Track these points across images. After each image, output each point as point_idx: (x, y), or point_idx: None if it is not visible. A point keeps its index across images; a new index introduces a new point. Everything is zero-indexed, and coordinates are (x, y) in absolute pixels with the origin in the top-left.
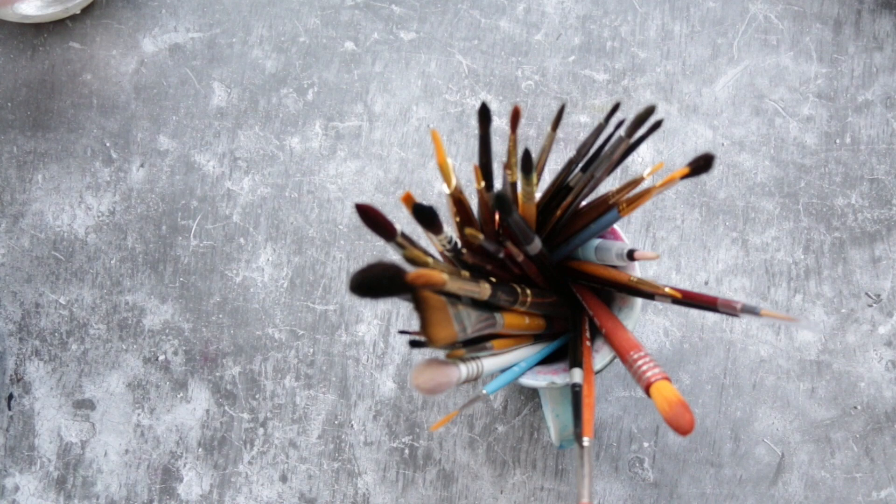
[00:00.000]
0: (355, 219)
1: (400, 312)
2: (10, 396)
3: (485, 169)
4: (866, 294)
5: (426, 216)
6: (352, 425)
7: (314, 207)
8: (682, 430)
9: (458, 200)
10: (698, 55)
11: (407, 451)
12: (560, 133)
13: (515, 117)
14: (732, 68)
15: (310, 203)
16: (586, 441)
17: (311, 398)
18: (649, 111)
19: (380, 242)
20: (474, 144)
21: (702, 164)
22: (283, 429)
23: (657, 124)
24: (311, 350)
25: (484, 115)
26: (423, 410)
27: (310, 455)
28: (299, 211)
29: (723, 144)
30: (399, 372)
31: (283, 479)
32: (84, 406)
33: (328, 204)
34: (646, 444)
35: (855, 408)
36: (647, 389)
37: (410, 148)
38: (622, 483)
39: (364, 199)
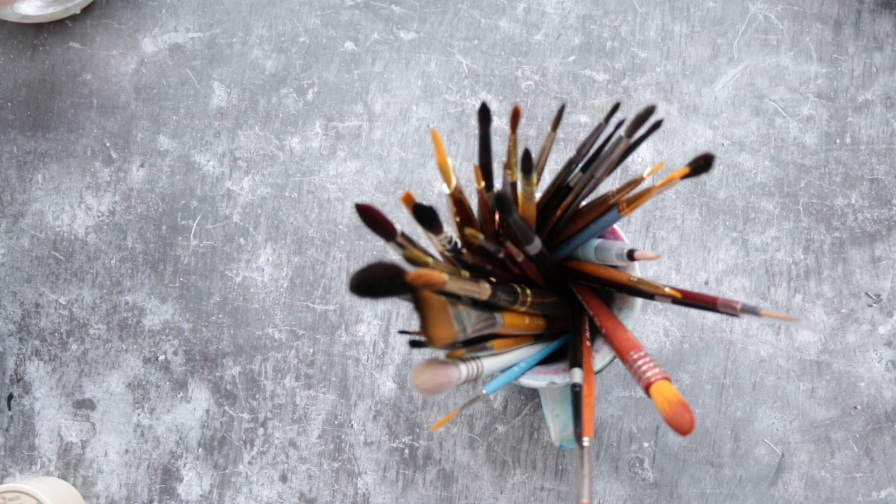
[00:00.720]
0: (355, 219)
1: (400, 312)
2: (10, 396)
3: (485, 169)
4: (866, 294)
5: (426, 216)
6: (352, 425)
7: (314, 207)
8: (682, 430)
9: (458, 200)
10: (698, 55)
11: (407, 451)
12: (560, 133)
13: (515, 117)
14: (732, 68)
15: (310, 203)
16: (586, 441)
17: (311, 398)
18: (649, 111)
19: (380, 242)
20: (474, 144)
21: (702, 164)
22: (283, 429)
23: (657, 124)
24: (311, 350)
25: (484, 115)
26: (423, 410)
27: (310, 455)
28: (299, 211)
29: (723, 144)
30: (399, 372)
31: (283, 479)
32: (84, 406)
33: (328, 204)
34: (646, 444)
35: (855, 408)
36: (647, 389)
37: (410, 148)
38: (622, 483)
39: (364, 199)
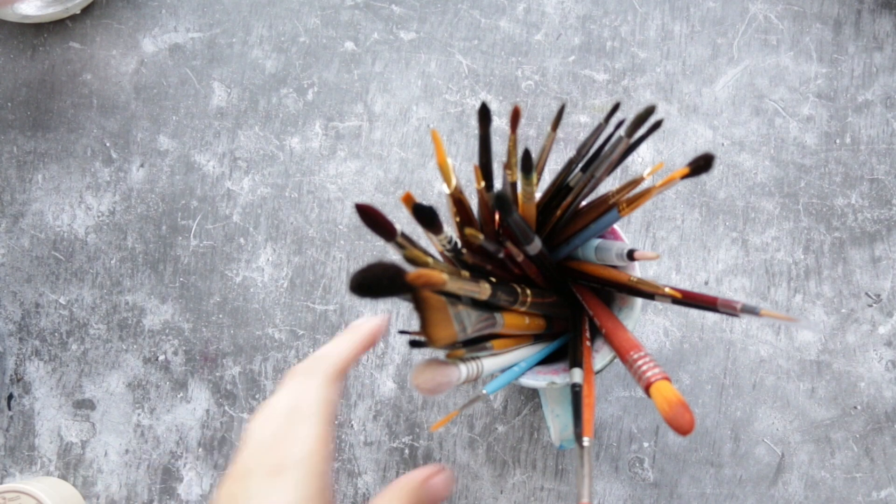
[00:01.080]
0: (355, 219)
1: (400, 312)
2: (10, 396)
3: (485, 169)
4: (866, 294)
5: (426, 216)
6: (352, 425)
7: (314, 207)
8: (682, 430)
9: (458, 200)
10: (698, 55)
11: (407, 451)
12: (560, 133)
13: (515, 117)
14: (732, 68)
15: (310, 203)
16: (586, 441)
17: None
18: (649, 111)
19: (380, 242)
20: (474, 144)
21: (702, 164)
22: None
23: (657, 124)
24: (311, 350)
25: (484, 115)
26: (423, 410)
27: None
28: (299, 211)
29: (723, 144)
30: (399, 372)
31: None
32: (84, 406)
33: (328, 204)
34: (646, 444)
35: (855, 408)
36: (647, 389)
37: (410, 148)
38: (622, 483)
39: (364, 199)
